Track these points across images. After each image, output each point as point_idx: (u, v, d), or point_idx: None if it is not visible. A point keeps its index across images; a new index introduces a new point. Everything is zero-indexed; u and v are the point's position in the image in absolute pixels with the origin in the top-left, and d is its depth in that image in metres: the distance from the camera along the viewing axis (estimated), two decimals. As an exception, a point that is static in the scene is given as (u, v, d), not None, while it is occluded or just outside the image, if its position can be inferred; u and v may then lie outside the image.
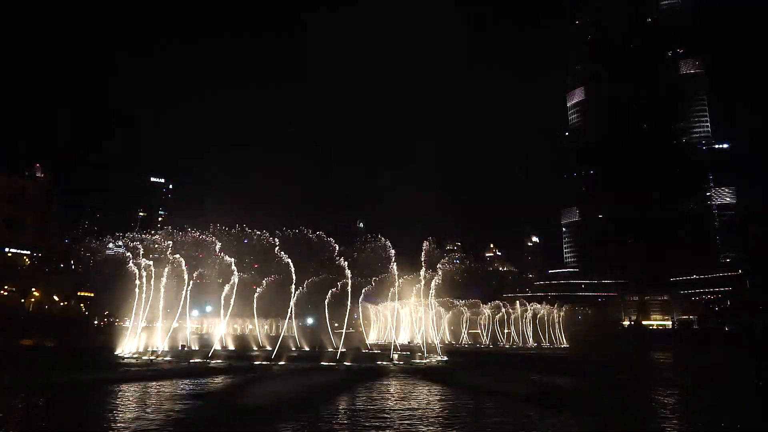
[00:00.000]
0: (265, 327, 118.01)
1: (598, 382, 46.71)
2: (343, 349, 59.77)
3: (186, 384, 34.34)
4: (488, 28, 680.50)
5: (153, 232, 62.81)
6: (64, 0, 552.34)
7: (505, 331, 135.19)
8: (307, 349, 75.93)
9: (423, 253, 59.05)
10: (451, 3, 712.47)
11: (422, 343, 71.34)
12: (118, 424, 21.23)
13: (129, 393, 29.78)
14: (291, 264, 56.68)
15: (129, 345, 58.88)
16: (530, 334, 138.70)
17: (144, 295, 59.97)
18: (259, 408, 26.50)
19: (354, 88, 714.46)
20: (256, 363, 49.25)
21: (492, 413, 26.17)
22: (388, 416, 23.86)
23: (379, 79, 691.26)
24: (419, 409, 26.17)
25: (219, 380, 36.91)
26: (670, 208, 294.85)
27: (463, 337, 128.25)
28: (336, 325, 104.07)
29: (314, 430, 21.92)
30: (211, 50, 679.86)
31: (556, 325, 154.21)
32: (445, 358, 64.87)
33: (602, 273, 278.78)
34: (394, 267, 58.28)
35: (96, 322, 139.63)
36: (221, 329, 72.85)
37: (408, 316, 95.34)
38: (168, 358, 51.66)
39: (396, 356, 57.00)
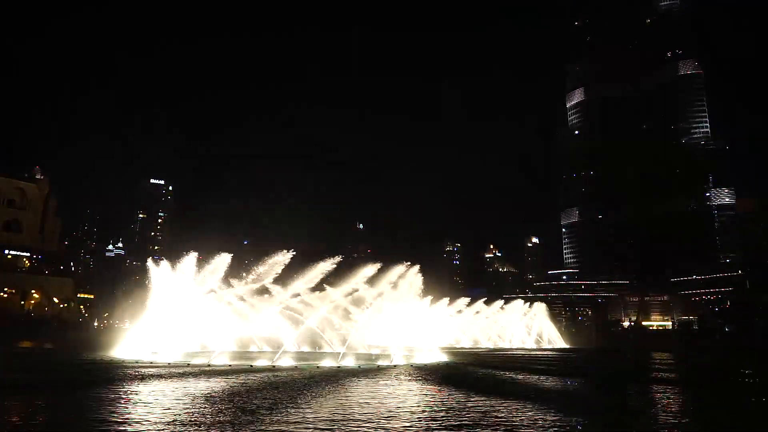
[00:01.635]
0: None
1: (598, 382, 46.79)
2: (345, 350, 59.84)
3: (190, 383, 34.29)
4: (488, 28, 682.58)
5: (153, 233, 63.32)
6: (64, 0, 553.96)
7: (505, 331, 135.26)
8: (307, 349, 75.89)
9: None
10: (451, 2, 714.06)
11: (420, 344, 71.49)
12: (120, 423, 21.22)
13: (130, 393, 29.75)
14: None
15: (129, 346, 58.90)
16: (529, 334, 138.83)
17: (144, 297, 60.04)
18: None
19: (354, 88, 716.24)
20: (256, 364, 49.30)
21: (476, 406, 26.06)
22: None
23: (379, 79, 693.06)
24: (415, 402, 26.21)
25: (223, 381, 36.88)
26: (670, 208, 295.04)
27: (462, 338, 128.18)
28: (337, 326, 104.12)
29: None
30: (211, 50, 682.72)
31: (556, 326, 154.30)
32: (444, 358, 65.13)
33: (602, 273, 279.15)
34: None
35: (96, 324, 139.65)
36: (221, 330, 72.72)
37: (407, 318, 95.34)
38: (168, 360, 51.65)
39: (396, 356, 57.08)
